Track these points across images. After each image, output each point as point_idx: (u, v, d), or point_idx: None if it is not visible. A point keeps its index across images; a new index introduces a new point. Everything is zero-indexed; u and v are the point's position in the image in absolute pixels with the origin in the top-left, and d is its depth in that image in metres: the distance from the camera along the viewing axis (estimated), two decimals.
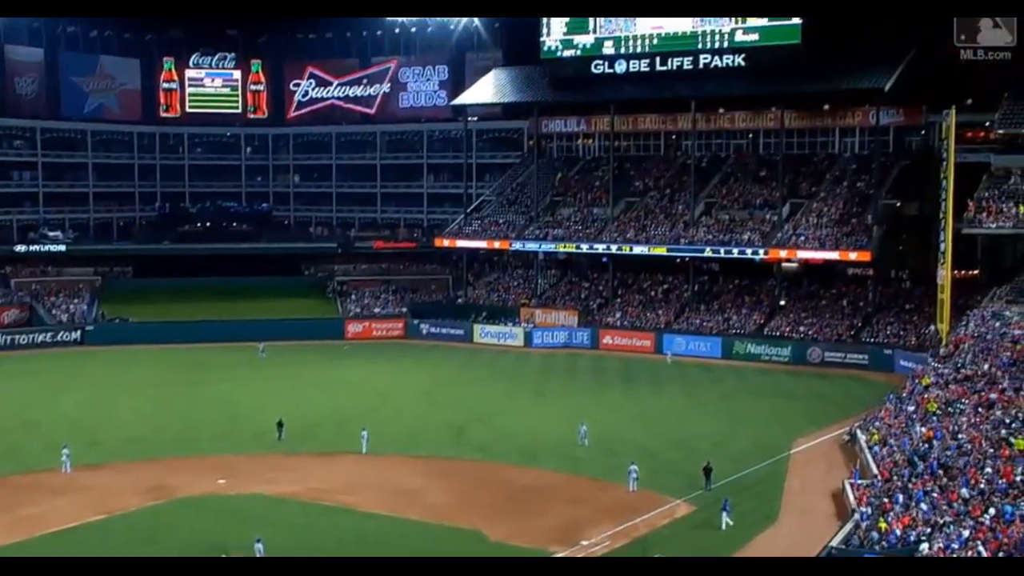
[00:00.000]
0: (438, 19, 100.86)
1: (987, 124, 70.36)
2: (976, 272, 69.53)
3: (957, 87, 69.98)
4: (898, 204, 78.04)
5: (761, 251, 75.98)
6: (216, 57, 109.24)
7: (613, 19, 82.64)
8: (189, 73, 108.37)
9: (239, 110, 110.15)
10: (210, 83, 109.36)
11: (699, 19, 79.14)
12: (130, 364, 71.89)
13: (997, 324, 55.02)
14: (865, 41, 77.03)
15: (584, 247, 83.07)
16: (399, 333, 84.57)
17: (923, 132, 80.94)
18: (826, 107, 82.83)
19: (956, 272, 63.92)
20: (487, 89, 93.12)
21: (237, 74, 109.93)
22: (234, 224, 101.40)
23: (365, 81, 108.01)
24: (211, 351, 76.21)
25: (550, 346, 79.37)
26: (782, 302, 77.74)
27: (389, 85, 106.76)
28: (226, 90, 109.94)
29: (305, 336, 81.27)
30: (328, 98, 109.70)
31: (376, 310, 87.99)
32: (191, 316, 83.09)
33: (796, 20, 76.21)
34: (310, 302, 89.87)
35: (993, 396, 45.21)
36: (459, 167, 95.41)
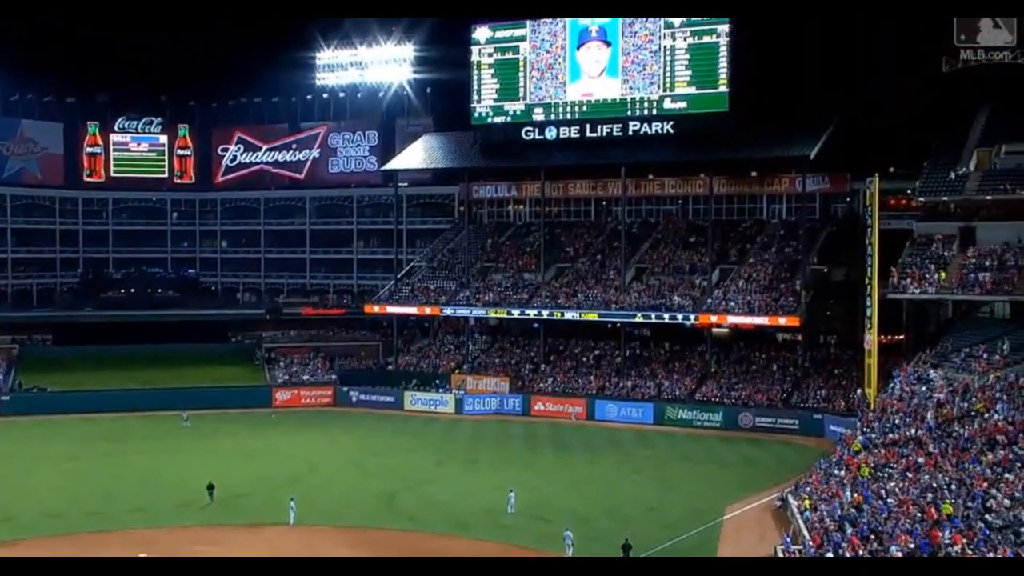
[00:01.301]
0: (368, 85, 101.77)
1: (909, 191, 71.55)
2: (902, 336, 69.97)
3: (880, 154, 72.04)
4: (825, 269, 79.04)
5: (692, 316, 76.10)
6: (142, 121, 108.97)
7: (543, 86, 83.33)
8: (114, 137, 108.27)
9: (165, 175, 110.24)
10: (135, 147, 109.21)
11: (628, 87, 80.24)
12: (48, 435, 70.24)
13: (923, 388, 55.42)
14: (791, 109, 78.96)
15: (515, 312, 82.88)
16: (328, 401, 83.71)
17: (848, 199, 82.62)
18: (754, 174, 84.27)
19: (882, 336, 64.39)
20: (417, 155, 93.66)
21: (163, 138, 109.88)
22: (159, 290, 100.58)
23: (294, 146, 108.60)
24: (133, 420, 74.89)
25: (481, 413, 79.01)
26: (713, 367, 78.19)
27: (319, 150, 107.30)
28: (152, 155, 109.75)
29: (231, 404, 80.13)
30: (257, 163, 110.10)
31: (305, 377, 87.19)
32: (113, 384, 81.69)
33: (723, 88, 77.73)
34: (237, 369, 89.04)
35: (920, 460, 45.66)
36: (389, 233, 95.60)
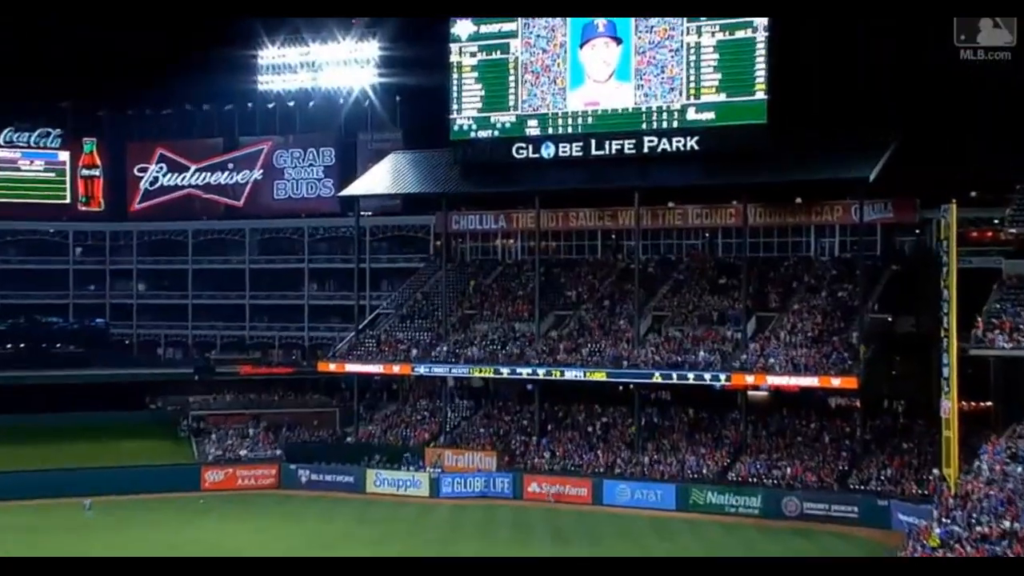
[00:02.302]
0: (323, 91, 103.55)
1: (996, 221, 72.02)
2: (989, 403, 69.31)
3: (958, 175, 71.69)
4: (889, 318, 78.84)
5: (722, 376, 76.16)
6: (36, 133, 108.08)
7: (538, 93, 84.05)
8: (0, 154, 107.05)
9: (67, 200, 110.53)
10: (28, 166, 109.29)
11: (643, 94, 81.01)
12: None
13: (1019, 469, 54.74)
14: (844, 121, 78.86)
15: (504, 371, 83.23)
16: (271, 481, 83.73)
17: (917, 231, 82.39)
18: (798, 200, 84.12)
19: (964, 403, 64.02)
20: (384, 177, 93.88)
21: (64, 155, 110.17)
22: (58, 345, 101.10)
23: (231, 166, 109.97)
24: (19, 511, 72.81)
25: (462, 496, 78.96)
26: (749, 440, 78.14)
27: (262, 171, 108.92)
28: (50, 175, 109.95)
29: (149, 488, 79.26)
30: (184, 186, 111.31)
31: (242, 453, 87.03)
32: None
33: (761, 95, 77.75)
34: (156, 444, 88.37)
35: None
36: (349, 273, 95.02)
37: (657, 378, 78.46)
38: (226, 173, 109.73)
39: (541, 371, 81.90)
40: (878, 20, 71.31)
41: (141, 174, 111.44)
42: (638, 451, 79.36)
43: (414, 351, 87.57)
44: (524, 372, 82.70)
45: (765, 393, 79.24)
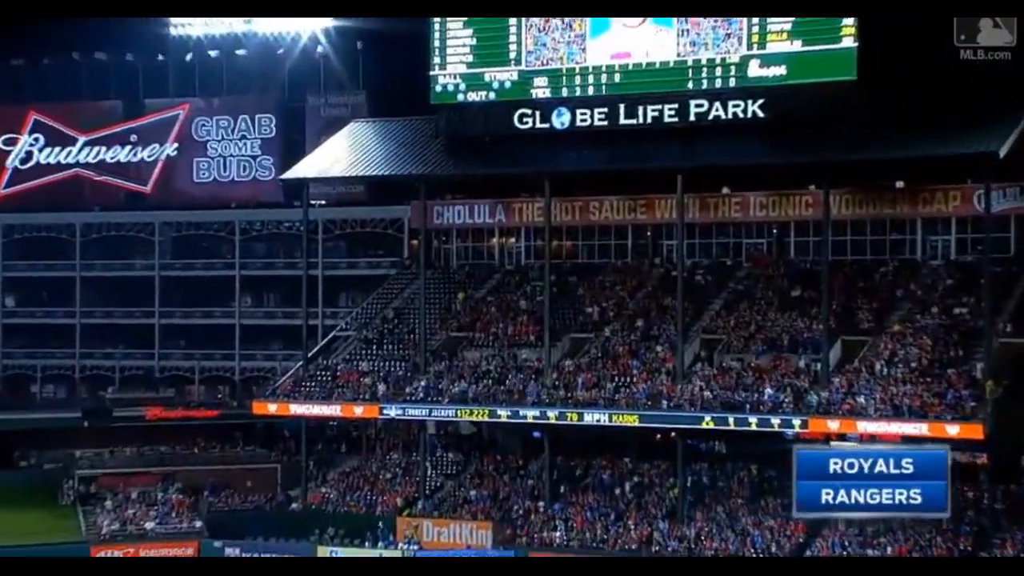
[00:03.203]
0: (259, 38, 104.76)
1: None
2: None
3: None
4: None
5: (796, 422, 75.58)
6: None
7: (547, 42, 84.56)
8: None
9: None
10: None
11: (689, 42, 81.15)
12: None
13: None
14: (961, 79, 77.20)
15: (503, 414, 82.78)
16: None
17: None
18: (900, 185, 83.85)
19: None
20: (342, 155, 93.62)
21: None
22: None
23: (135, 139, 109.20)
24: None
25: None
26: None
27: (176, 146, 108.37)
28: None
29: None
30: (69, 165, 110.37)
31: (149, 526, 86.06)
32: None
33: (849, 43, 77.21)
34: (29, 515, 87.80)
35: None
36: (295, 283, 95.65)
37: (708, 423, 78.37)
38: (128, 148, 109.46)
39: (552, 414, 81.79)
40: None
41: (8, 147, 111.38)
42: (683, 522, 79.01)
43: (382, 387, 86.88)
44: (529, 415, 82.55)
45: (854, 444, 75.36)
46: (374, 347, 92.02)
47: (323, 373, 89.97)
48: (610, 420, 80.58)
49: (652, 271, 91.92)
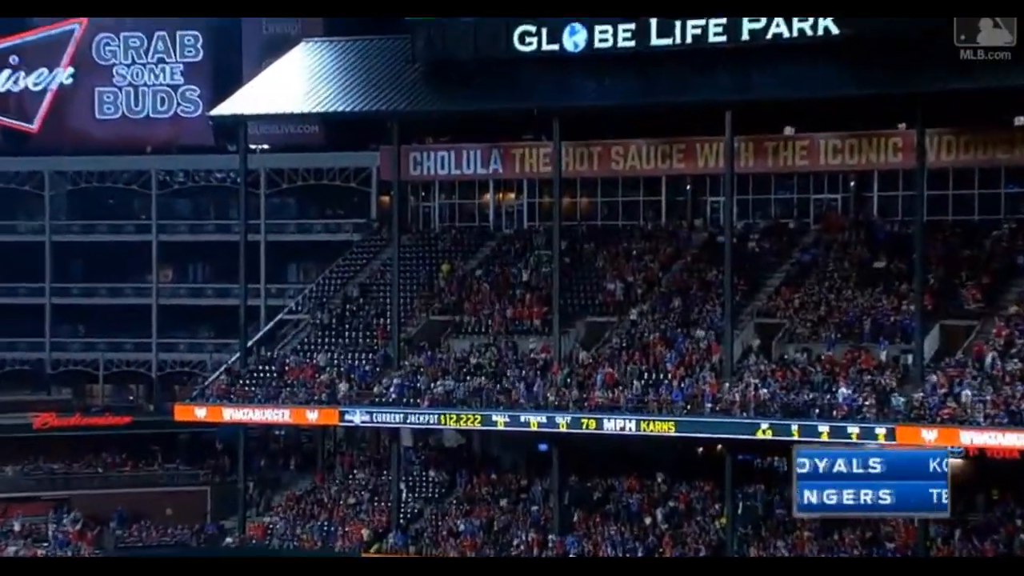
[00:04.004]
0: None
1: None
2: None
3: None
4: None
5: (880, 430, 74.73)
6: None
7: None
8: None
9: None
10: None
11: None
12: None
13: None
14: None
15: (500, 420, 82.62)
16: None
17: None
18: (1020, 121, 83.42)
19: None
20: (290, 84, 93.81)
21: None
22: None
23: (15, 60, 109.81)
24: None
25: None
26: (931, 545, 76.61)
27: (71, 71, 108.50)
28: None
29: None
30: None
31: None
32: None
33: None
34: None
35: None
36: (231, 251, 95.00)
37: (765, 432, 77.67)
38: (6, 74, 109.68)
39: (563, 420, 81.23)
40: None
41: None
42: (730, 558, 78.30)
43: (343, 386, 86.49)
44: (534, 422, 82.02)
45: (958, 460, 74.67)
46: (333, 334, 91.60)
47: (267, 368, 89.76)
48: (638, 428, 79.91)
49: (692, 236, 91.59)
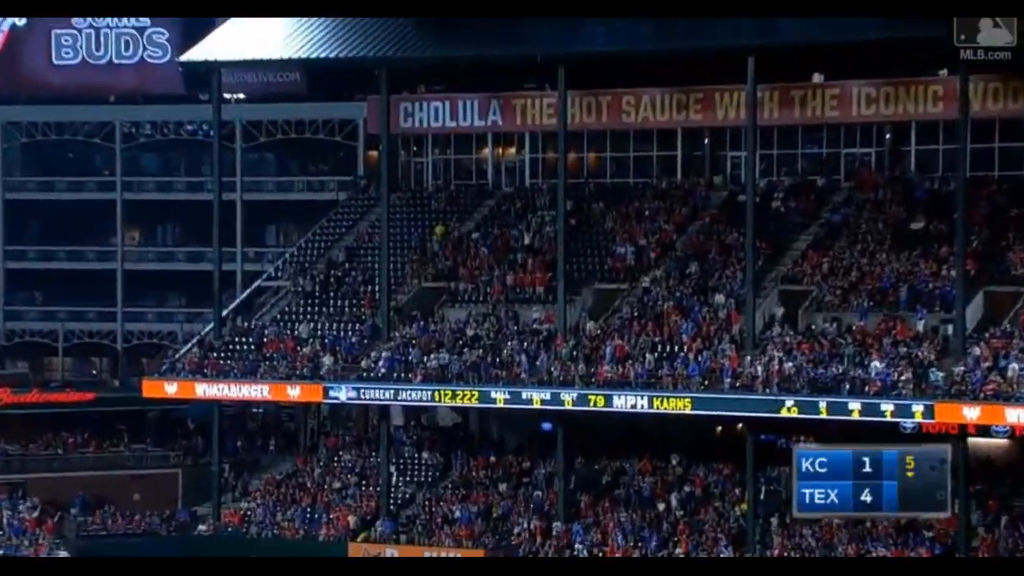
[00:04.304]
0: None
1: None
2: None
3: None
4: None
5: (917, 407, 74.99)
6: None
7: None
8: None
9: None
10: None
11: None
12: None
13: None
14: None
15: (499, 397, 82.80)
16: None
17: None
18: None
19: None
20: (268, 27, 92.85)
21: None
22: None
23: None
24: None
25: None
26: (974, 528, 76.97)
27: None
28: None
29: None
30: None
31: None
32: None
33: None
34: None
35: None
36: (203, 211, 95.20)
37: (790, 410, 77.71)
38: None
39: (568, 397, 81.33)
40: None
41: None
42: (753, 550, 79.27)
43: (328, 360, 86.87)
44: (536, 399, 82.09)
45: (1004, 441, 77.53)
46: (316, 303, 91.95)
47: (244, 339, 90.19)
48: (651, 406, 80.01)
49: (710, 195, 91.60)
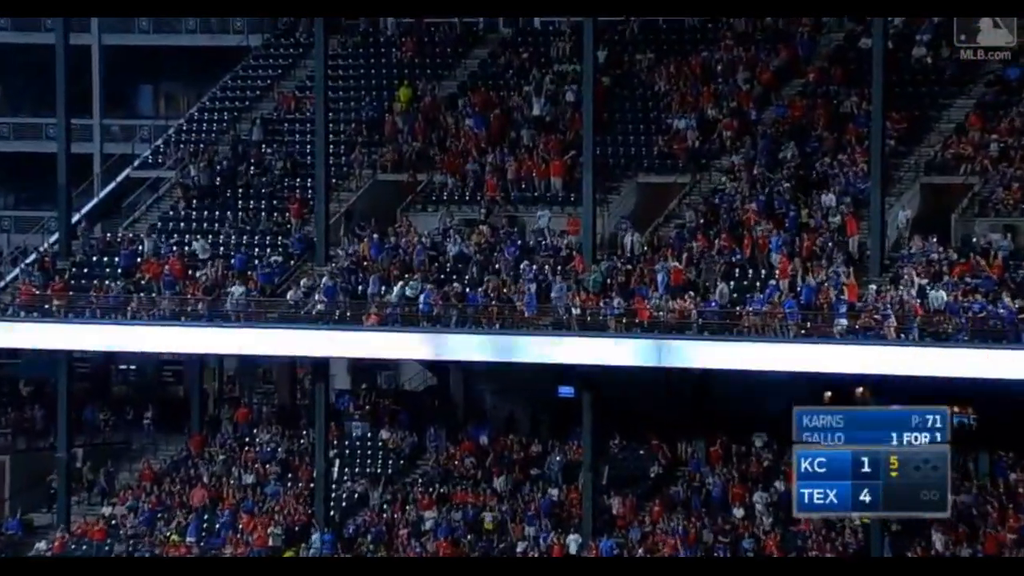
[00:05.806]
0: None
1: None
2: None
3: None
4: None
5: None
6: None
7: None
8: None
9: None
10: None
11: None
12: None
13: None
14: None
15: (493, 344, 74.96)
16: None
17: None
18: None
19: None
20: None
21: None
22: None
23: None
24: None
25: None
26: None
27: None
28: None
29: None
30: None
31: None
32: None
33: None
34: None
35: None
36: (38, 60, 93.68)
37: (936, 365, 71.76)
38: None
39: (597, 346, 73.48)
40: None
41: None
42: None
43: (236, 290, 77.90)
44: (549, 350, 73.94)
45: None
46: (217, 204, 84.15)
47: (105, 259, 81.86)
48: (724, 360, 72.93)
49: (817, 38, 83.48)
